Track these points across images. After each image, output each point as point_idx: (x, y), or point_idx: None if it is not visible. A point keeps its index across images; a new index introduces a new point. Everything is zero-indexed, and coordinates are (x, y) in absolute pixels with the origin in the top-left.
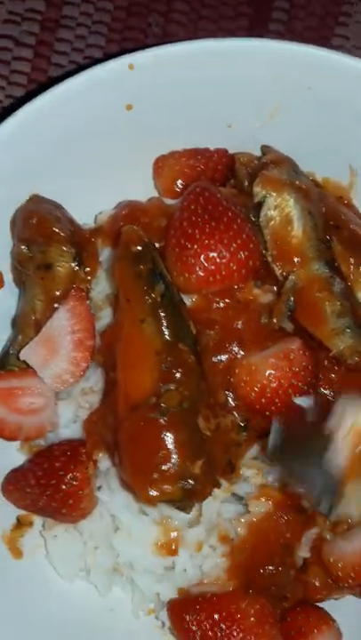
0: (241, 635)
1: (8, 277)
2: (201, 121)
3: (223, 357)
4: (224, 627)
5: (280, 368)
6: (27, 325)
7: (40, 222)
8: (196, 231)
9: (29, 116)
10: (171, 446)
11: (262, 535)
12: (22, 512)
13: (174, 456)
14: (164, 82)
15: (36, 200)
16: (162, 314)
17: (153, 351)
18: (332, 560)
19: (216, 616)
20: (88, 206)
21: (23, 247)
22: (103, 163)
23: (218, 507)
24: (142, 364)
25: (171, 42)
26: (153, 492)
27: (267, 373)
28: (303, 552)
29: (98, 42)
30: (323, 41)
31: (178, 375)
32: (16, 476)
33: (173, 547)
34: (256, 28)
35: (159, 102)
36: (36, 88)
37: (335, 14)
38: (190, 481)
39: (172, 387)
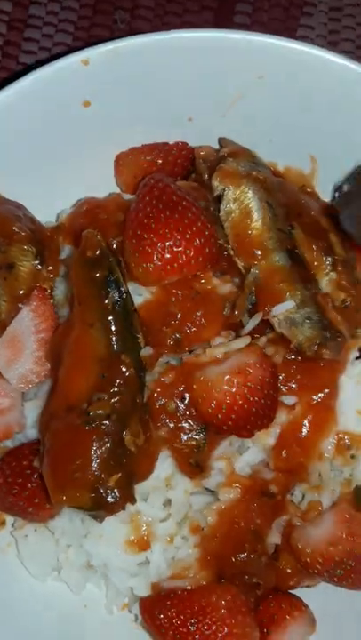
0: (213, 627)
1: None
2: (161, 115)
3: (176, 360)
4: (196, 621)
5: (236, 385)
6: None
7: (0, 222)
8: (152, 221)
9: None
10: (90, 456)
11: (232, 522)
12: None
13: (91, 466)
14: (120, 77)
15: None
16: (111, 322)
17: (95, 357)
18: (300, 546)
19: (188, 611)
20: (49, 205)
21: None
22: (63, 160)
23: (188, 499)
24: (82, 368)
25: None
26: (63, 497)
27: (223, 390)
28: (274, 538)
29: (65, 40)
30: (288, 32)
31: (113, 386)
32: None
33: (146, 540)
34: (221, 20)
35: (117, 98)
36: None
37: (299, 4)
38: (102, 493)
39: (105, 396)
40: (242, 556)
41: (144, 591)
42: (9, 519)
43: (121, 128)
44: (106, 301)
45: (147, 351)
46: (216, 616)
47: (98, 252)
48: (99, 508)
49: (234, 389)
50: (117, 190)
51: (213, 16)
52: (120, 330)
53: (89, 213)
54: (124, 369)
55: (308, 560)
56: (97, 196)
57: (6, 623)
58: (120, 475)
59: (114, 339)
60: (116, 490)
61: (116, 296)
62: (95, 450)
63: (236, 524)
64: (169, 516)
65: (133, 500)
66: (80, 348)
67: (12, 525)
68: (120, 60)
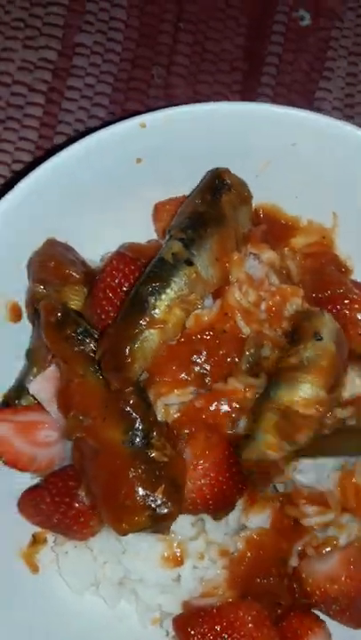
0: (242, 639)
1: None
2: (200, 172)
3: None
4: (226, 635)
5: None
6: (40, 359)
7: (57, 265)
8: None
9: (48, 171)
10: (130, 482)
11: (260, 549)
12: (37, 530)
13: (135, 490)
14: (171, 139)
15: (51, 243)
16: (94, 367)
17: (98, 399)
18: (304, 575)
19: (218, 627)
20: (96, 247)
21: (40, 287)
22: (111, 209)
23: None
24: (99, 415)
25: (172, 94)
26: (125, 526)
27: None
28: (293, 562)
29: (105, 90)
30: (308, 94)
31: (124, 416)
32: (32, 493)
33: (179, 557)
34: (249, 81)
35: (164, 157)
36: (50, 141)
37: (319, 69)
38: (154, 508)
39: (121, 428)
40: (268, 579)
41: (172, 608)
42: (50, 537)
43: (165, 182)
44: (85, 351)
45: (144, 376)
46: (244, 630)
47: (59, 315)
48: (159, 522)
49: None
50: (155, 237)
51: (242, 77)
52: None
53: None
54: (128, 399)
55: (308, 589)
56: (135, 241)
57: (47, 634)
58: (163, 486)
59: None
60: (165, 499)
61: (91, 344)
62: (132, 475)
63: (264, 551)
64: (198, 534)
65: (184, 502)
66: (85, 399)
67: (54, 542)
68: (172, 125)
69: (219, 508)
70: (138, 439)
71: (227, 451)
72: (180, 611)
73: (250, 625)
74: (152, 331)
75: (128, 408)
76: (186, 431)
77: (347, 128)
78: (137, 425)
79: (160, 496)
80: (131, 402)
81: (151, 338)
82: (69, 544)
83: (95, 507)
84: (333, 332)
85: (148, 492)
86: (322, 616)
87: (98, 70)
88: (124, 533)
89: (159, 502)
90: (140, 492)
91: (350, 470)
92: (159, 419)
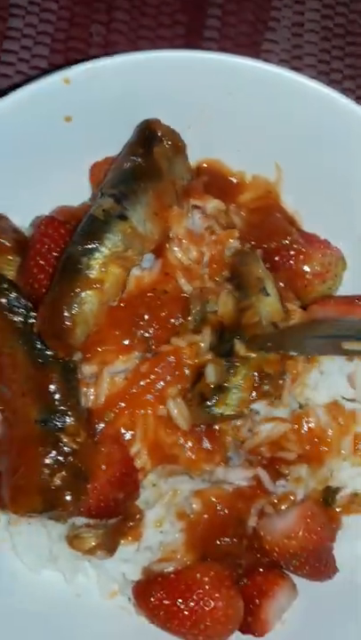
0: (200, 602)
1: None
2: (133, 128)
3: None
4: (184, 599)
5: None
6: None
7: None
8: None
9: None
10: (29, 462)
11: (216, 508)
12: None
13: (33, 471)
14: (98, 93)
15: None
16: (25, 339)
17: (24, 371)
18: (262, 533)
19: (175, 591)
20: (30, 212)
21: None
22: (45, 172)
23: (174, 486)
24: (17, 385)
25: (113, 52)
26: (17, 506)
27: None
28: (252, 522)
29: (42, 52)
30: (254, 46)
31: (42, 395)
32: None
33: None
34: (192, 35)
35: (95, 113)
36: None
37: (265, 20)
38: (50, 493)
39: (36, 407)
40: (226, 539)
41: (136, 575)
42: (2, 517)
43: (98, 141)
44: (15, 322)
45: (77, 356)
46: (202, 592)
47: None
48: (52, 508)
49: None
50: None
51: (185, 30)
52: (36, 343)
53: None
54: (50, 378)
55: (267, 547)
56: (73, 204)
57: (4, 615)
58: (64, 472)
59: (34, 352)
60: (62, 487)
61: (22, 315)
62: (36, 456)
63: (221, 511)
64: (156, 500)
65: (86, 493)
66: (10, 371)
67: (8, 522)
68: (98, 78)
69: (101, 517)
70: (51, 421)
71: (124, 469)
72: (142, 577)
73: (207, 586)
74: (89, 292)
75: (49, 387)
76: (111, 415)
77: (286, 74)
78: (54, 406)
79: (58, 482)
80: (53, 381)
81: (89, 299)
82: (23, 522)
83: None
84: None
85: (46, 477)
86: None
87: (34, 31)
88: (16, 512)
89: (55, 488)
90: (39, 474)
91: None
92: (101, 393)
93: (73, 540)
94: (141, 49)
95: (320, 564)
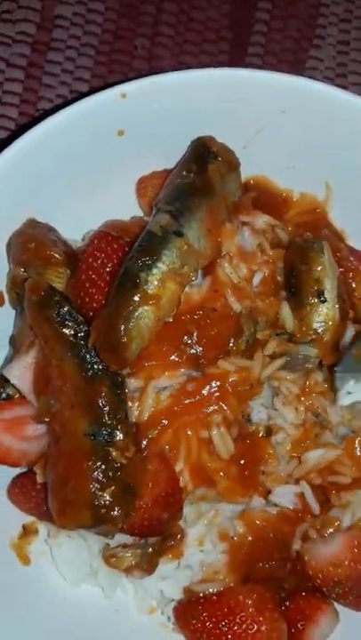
0: (243, 626)
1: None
2: (185, 144)
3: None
4: (227, 621)
5: None
6: (23, 345)
7: (37, 246)
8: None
9: (27, 145)
10: (80, 476)
11: (260, 531)
12: (27, 521)
13: (84, 485)
14: (153, 109)
15: (31, 224)
16: (76, 353)
17: (73, 387)
18: (307, 558)
19: (218, 613)
20: (78, 226)
21: (21, 270)
22: (94, 185)
23: (215, 505)
24: (66, 397)
25: (157, 65)
26: (65, 519)
27: None
28: (296, 545)
29: (86, 64)
30: (298, 63)
31: (93, 409)
32: (21, 480)
33: (179, 549)
34: (236, 50)
35: (147, 128)
36: (31, 118)
37: (310, 37)
38: (99, 507)
39: (86, 420)
40: (270, 563)
41: (173, 593)
42: (41, 529)
43: (147, 155)
44: (65, 334)
45: (126, 369)
46: (245, 614)
47: (43, 294)
48: (101, 523)
49: None
50: (139, 214)
51: (229, 46)
52: (86, 355)
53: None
54: (100, 391)
55: (310, 572)
56: (122, 218)
57: (43, 628)
58: (113, 488)
59: (84, 365)
60: (111, 502)
61: (72, 328)
62: (85, 470)
63: (265, 534)
64: (198, 518)
65: (134, 509)
66: (60, 383)
67: (47, 535)
68: (154, 94)
69: (144, 536)
70: (101, 434)
71: (170, 489)
72: (181, 596)
73: (251, 609)
74: (146, 307)
75: (99, 400)
76: (155, 432)
77: (337, 93)
78: (103, 419)
79: (108, 497)
80: (103, 394)
81: (146, 314)
82: (63, 535)
83: (46, 492)
84: (334, 282)
85: (96, 491)
86: None
87: (78, 43)
88: (63, 526)
89: (105, 503)
90: (89, 488)
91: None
92: (145, 408)
93: (109, 558)
94: (185, 63)
95: None
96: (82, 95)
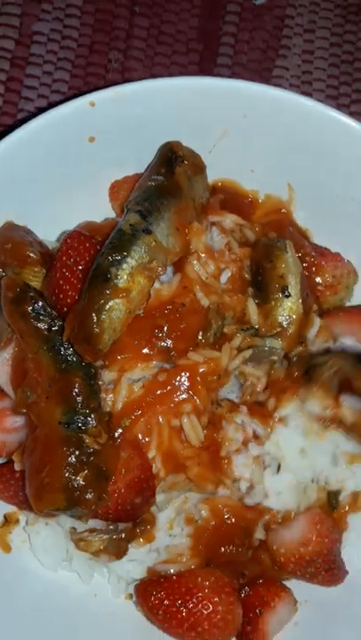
0: (199, 605)
1: None
2: (154, 150)
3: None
4: (183, 601)
5: None
6: (1, 341)
7: (14, 247)
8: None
9: (3, 153)
10: (54, 461)
11: (223, 516)
12: (8, 510)
13: (58, 470)
14: (121, 116)
15: (9, 227)
16: (51, 346)
17: (49, 378)
18: (275, 547)
19: (176, 592)
20: (54, 227)
21: None
22: (68, 189)
23: (185, 493)
24: (43, 393)
25: (130, 77)
26: (41, 503)
27: None
28: (259, 534)
29: (63, 77)
30: (265, 72)
31: (66, 398)
32: (1, 470)
33: (152, 533)
34: (205, 61)
35: (117, 134)
36: (11, 123)
37: (276, 47)
38: (73, 490)
39: (60, 408)
40: (231, 548)
41: (141, 574)
42: (22, 518)
43: (118, 160)
44: (40, 329)
45: (98, 362)
46: (201, 595)
47: (18, 290)
48: (74, 505)
49: None
50: (112, 215)
51: (199, 58)
52: (60, 348)
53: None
54: (74, 382)
55: (282, 560)
56: (95, 220)
57: (23, 613)
58: (86, 472)
59: (59, 358)
60: (85, 485)
61: (46, 322)
62: (60, 456)
63: (228, 519)
64: (168, 502)
65: (106, 494)
66: (35, 376)
67: (26, 522)
68: (122, 102)
69: (118, 520)
70: (74, 422)
71: (143, 475)
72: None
73: (207, 591)
74: (117, 300)
75: (72, 391)
76: (128, 421)
77: (297, 98)
78: (77, 408)
79: (81, 481)
80: (76, 385)
81: (117, 307)
82: (40, 523)
83: (23, 479)
84: (298, 278)
85: (69, 475)
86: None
87: (55, 57)
88: (40, 510)
89: (78, 486)
90: (63, 472)
91: None
92: (119, 399)
93: (78, 542)
94: (157, 75)
95: (335, 568)
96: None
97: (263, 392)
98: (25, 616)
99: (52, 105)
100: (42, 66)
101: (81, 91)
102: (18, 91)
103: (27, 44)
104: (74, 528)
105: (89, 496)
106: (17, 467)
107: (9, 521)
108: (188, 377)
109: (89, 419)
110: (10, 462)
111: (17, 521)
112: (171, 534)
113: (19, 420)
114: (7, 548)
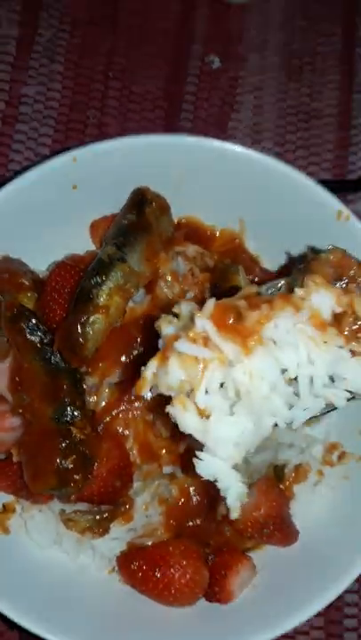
0: (172, 570)
1: None
2: (127, 193)
3: None
4: (157, 566)
5: None
6: (1, 355)
7: (11, 276)
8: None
9: (1, 199)
10: (48, 449)
11: (190, 495)
12: (6, 500)
13: (51, 456)
14: (98, 168)
15: (5, 259)
16: (42, 356)
17: (41, 382)
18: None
19: (152, 560)
20: (43, 259)
21: None
22: (55, 227)
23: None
24: (35, 392)
25: (105, 130)
26: (38, 484)
27: None
28: (222, 509)
29: (48, 132)
30: (222, 125)
31: (58, 399)
32: (0, 463)
33: (130, 514)
34: (171, 117)
35: (96, 183)
36: (3, 178)
37: (231, 103)
38: (64, 472)
39: (52, 407)
40: (197, 521)
41: (121, 549)
42: (18, 507)
43: (98, 203)
44: (34, 342)
45: (82, 369)
46: (173, 560)
47: (16, 311)
48: (65, 485)
49: None
50: (92, 248)
51: (164, 114)
52: (51, 357)
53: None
54: (62, 385)
55: (240, 526)
56: (78, 252)
57: (20, 587)
58: (74, 456)
59: (49, 365)
60: (72, 467)
61: (39, 337)
62: (52, 444)
63: (194, 496)
64: (144, 489)
65: (91, 475)
66: (30, 381)
67: (22, 510)
68: (100, 157)
69: (100, 502)
70: (63, 417)
71: (122, 462)
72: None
73: (178, 557)
74: (98, 315)
75: (61, 392)
76: (109, 417)
77: (242, 150)
78: (65, 406)
79: (69, 464)
80: (64, 387)
81: (98, 321)
82: (35, 509)
83: (20, 466)
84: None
85: (60, 459)
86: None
87: (41, 115)
88: (36, 491)
89: (68, 468)
90: (55, 458)
91: None
92: (101, 399)
93: (67, 521)
94: (129, 129)
95: (286, 528)
96: (44, 158)
97: None
98: (23, 585)
99: (38, 156)
100: (29, 123)
101: (63, 144)
102: (8, 144)
103: (15, 105)
104: (63, 510)
105: (77, 477)
106: (15, 458)
107: (7, 509)
108: None
109: (75, 413)
110: (7, 458)
111: (14, 510)
112: (147, 515)
113: (15, 421)
114: (7, 531)
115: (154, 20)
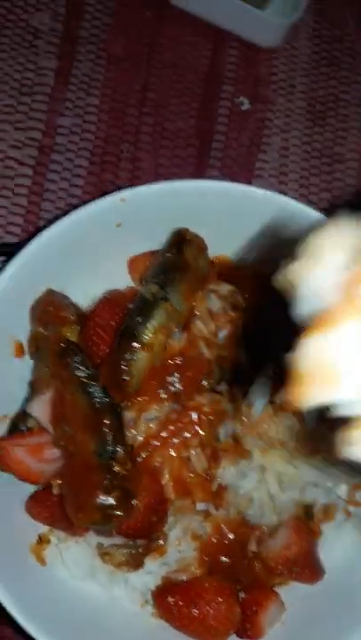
0: (207, 605)
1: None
2: (165, 231)
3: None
4: (193, 602)
5: None
6: (41, 388)
7: (55, 309)
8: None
9: (47, 239)
10: (92, 484)
11: (223, 533)
12: (42, 531)
13: (95, 491)
14: (144, 208)
15: (49, 293)
16: (85, 390)
17: (83, 414)
18: (265, 555)
19: (188, 595)
20: (86, 294)
21: (41, 328)
22: (97, 263)
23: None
24: (78, 425)
25: (139, 165)
26: (81, 519)
27: None
28: (252, 546)
29: (83, 163)
30: (250, 165)
31: (99, 432)
32: (39, 495)
33: (163, 548)
34: (201, 155)
35: (139, 220)
36: (38, 207)
37: (258, 144)
38: (107, 508)
39: (95, 442)
40: (230, 558)
41: (155, 583)
42: (53, 539)
43: (138, 240)
44: (78, 376)
45: (124, 404)
46: (207, 597)
47: (63, 345)
48: (109, 521)
49: None
50: (131, 283)
51: (196, 151)
52: (94, 392)
53: (114, 300)
54: (104, 419)
55: (272, 565)
56: (118, 287)
57: (55, 616)
58: (118, 493)
59: (91, 399)
60: (115, 504)
61: (84, 371)
62: (95, 480)
63: (227, 535)
64: (175, 523)
65: (132, 512)
66: (73, 414)
67: (58, 540)
68: (144, 198)
69: (137, 537)
70: (106, 452)
71: (158, 498)
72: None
73: (212, 593)
74: (143, 353)
75: (103, 427)
76: (146, 453)
77: (271, 195)
78: (107, 440)
79: (112, 500)
80: (106, 422)
81: (143, 358)
82: (72, 540)
83: (61, 499)
84: None
85: (104, 495)
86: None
87: (76, 147)
88: (80, 525)
89: (110, 505)
90: (99, 493)
91: None
92: (138, 434)
93: (104, 555)
94: (161, 164)
95: (315, 566)
96: (79, 189)
97: None
98: (59, 619)
99: (72, 187)
100: (64, 153)
101: (98, 176)
102: (44, 174)
103: (52, 135)
104: (101, 543)
105: (119, 513)
106: (55, 491)
107: (43, 540)
108: (194, 418)
109: (118, 448)
110: (45, 489)
111: (48, 541)
112: (179, 550)
113: (55, 453)
114: (43, 562)
115: (186, 60)
